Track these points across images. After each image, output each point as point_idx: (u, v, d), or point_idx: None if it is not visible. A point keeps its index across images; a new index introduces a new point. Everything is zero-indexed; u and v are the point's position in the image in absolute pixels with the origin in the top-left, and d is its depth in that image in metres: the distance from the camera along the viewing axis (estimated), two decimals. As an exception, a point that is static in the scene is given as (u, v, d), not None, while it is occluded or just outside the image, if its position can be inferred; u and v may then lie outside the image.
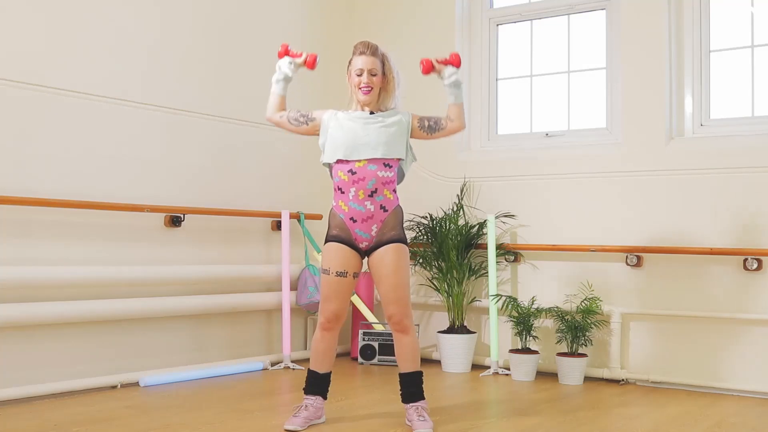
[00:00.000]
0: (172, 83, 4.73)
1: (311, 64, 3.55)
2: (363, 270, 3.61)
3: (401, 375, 3.50)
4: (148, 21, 4.62)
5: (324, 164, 3.49)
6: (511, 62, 5.47)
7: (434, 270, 5.17)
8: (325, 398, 3.52)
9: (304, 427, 3.38)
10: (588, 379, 4.71)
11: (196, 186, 4.83)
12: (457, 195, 5.30)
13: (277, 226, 5.24)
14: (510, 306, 4.81)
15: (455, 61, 3.51)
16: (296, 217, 5.29)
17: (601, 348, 4.79)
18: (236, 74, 5.10)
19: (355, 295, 5.27)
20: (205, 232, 4.88)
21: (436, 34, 5.40)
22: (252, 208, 5.12)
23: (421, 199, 5.35)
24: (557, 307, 4.72)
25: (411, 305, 3.50)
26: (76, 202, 4.16)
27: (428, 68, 3.52)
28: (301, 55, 3.58)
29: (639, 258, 4.68)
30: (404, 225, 3.53)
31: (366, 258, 3.47)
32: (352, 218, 3.40)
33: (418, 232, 5.22)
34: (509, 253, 5.11)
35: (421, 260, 5.22)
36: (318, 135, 3.52)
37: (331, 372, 3.54)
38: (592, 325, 4.61)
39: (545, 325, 4.93)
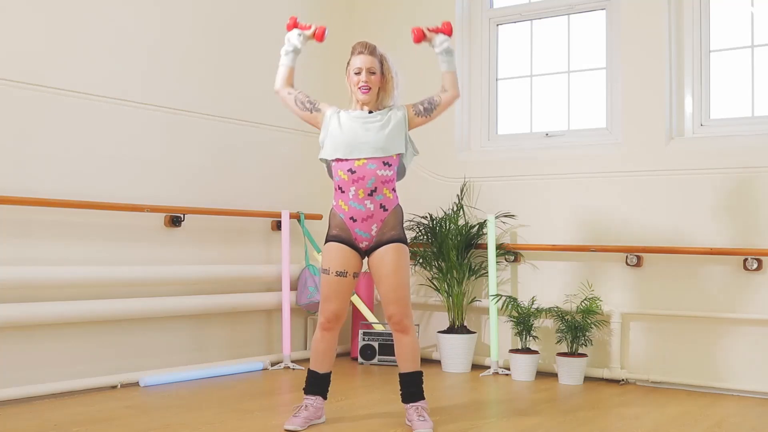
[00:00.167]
0: (172, 83, 4.73)
1: (320, 36, 3.55)
2: (363, 270, 3.61)
3: (401, 375, 3.50)
4: (148, 21, 4.62)
5: (321, 160, 3.49)
6: (511, 62, 5.47)
7: (434, 270, 5.17)
8: (325, 398, 3.52)
9: (304, 427, 3.38)
10: (588, 379, 4.71)
11: (196, 186, 4.83)
12: (457, 195, 5.30)
13: (277, 226, 5.24)
14: (510, 306, 4.81)
15: (447, 30, 3.51)
16: (296, 217, 5.29)
17: (601, 348, 4.79)
18: (236, 74, 5.10)
19: (355, 295, 5.27)
20: (205, 232, 4.88)
21: (436, 34, 5.38)
22: (252, 208, 5.12)
23: (421, 199, 5.35)
24: (557, 307, 4.73)
25: (411, 305, 3.50)
26: (76, 202, 4.16)
27: (419, 37, 3.53)
28: (309, 27, 3.58)
29: (639, 258, 4.68)
30: (404, 225, 3.53)
31: (366, 258, 3.47)
32: (352, 218, 3.40)
33: (418, 232, 5.22)
34: (509, 253, 5.11)
35: (421, 260, 5.22)
36: (317, 127, 3.54)
37: (331, 372, 3.54)
38: (592, 325, 4.61)
39: (545, 325, 4.93)
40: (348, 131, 3.41)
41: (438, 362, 5.14)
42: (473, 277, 5.15)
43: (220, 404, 3.88)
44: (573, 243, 4.92)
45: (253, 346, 5.16)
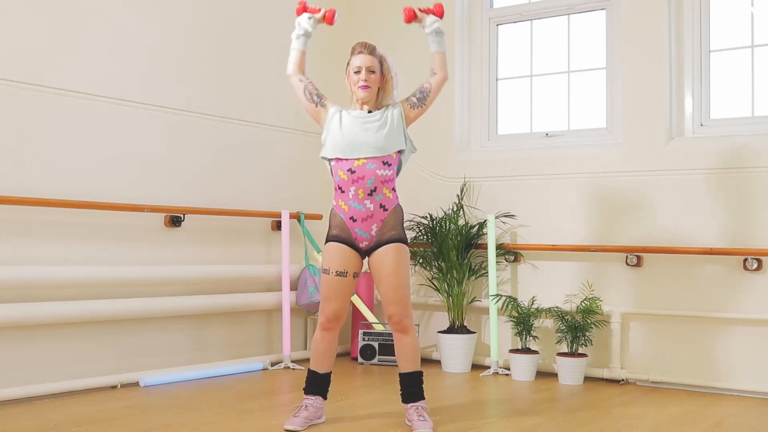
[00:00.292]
0: (172, 83, 4.73)
1: (330, 19, 3.55)
2: (363, 270, 3.61)
3: (401, 375, 3.50)
4: (148, 21, 4.62)
5: (322, 158, 3.49)
6: (511, 62, 5.47)
7: (434, 270, 5.17)
8: (325, 398, 3.53)
9: (304, 427, 3.38)
10: (588, 379, 4.71)
11: (196, 186, 4.83)
12: (457, 195, 5.30)
13: (277, 226, 5.24)
14: (510, 306, 4.81)
15: (438, 11, 3.52)
16: (296, 217, 5.29)
17: (601, 348, 4.79)
18: (236, 74, 5.10)
19: (355, 295, 5.26)
20: (205, 232, 4.88)
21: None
22: (252, 208, 5.12)
23: (421, 199, 5.35)
24: (557, 307, 4.72)
25: (411, 305, 3.50)
26: (76, 202, 4.16)
27: (410, 17, 3.53)
28: (319, 10, 3.58)
29: (639, 258, 4.68)
30: (404, 225, 3.53)
31: (366, 258, 3.47)
32: (352, 218, 3.40)
33: (418, 232, 5.22)
34: (509, 253, 5.11)
35: (421, 260, 5.22)
36: (317, 121, 3.54)
37: (331, 372, 3.54)
38: (592, 325, 4.61)
39: (545, 325, 4.93)
40: (348, 131, 3.41)
41: (438, 362, 5.14)
42: (473, 277, 5.15)
43: (220, 404, 3.88)
44: (573, 243, 4.92)
45: (253, 346, 5.16)
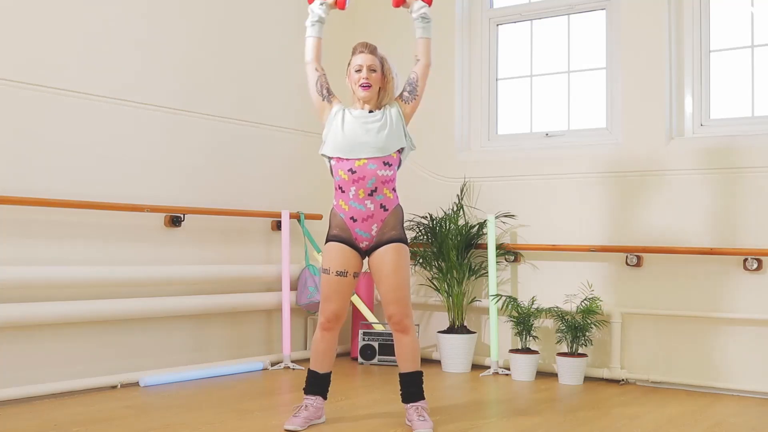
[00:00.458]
0: (172, 83, 4.73)
1: (342, 3, 3.55)
2: (363, 270, 3.61)
3: (401, 375, 3.50)
4: (149, 21, 4.62)
5: (322, 155, 3.49)
6: (511, 62, 5.47)
7: (434, 270, 5.17)
8: (325, 398, 3.53)
9: (304, 427, 3.38)
10: (588, 379, 4.71)
11: (196, 186, 4.83)
12: (457, 195, 5.30)
13: (277, 226, 5.24)
14: (510, 306, 4.81)
15: None
16: (296, 217, 5.29)
17: (601, 348, 4.79)
18: (236, 74, 5.10)
19: (355, 295, 5.26)
20: (205, 232, 4.88)
21: (436, 34, 5.29)
22: (252, 208, 5.12)
23: (421, 199, 5.35)
24: (557, 307, 4.72)
25: (411, 305, 3.50)
26: (76, 202, 4.16)
27: (398, 1, 3.53)
28: None
29: (639, 258, 4.68)
30: (404, 225, 3.53)
31: (366, 258, 3.47)
32: (352, 218, 3.40)
33: (418, 232, 5.22)
34: (509, 253, 5.11)
35: (421, 260, 5.22)
36: (319, 115, 3.53)
37: (331, 372, 3.54)
38: (592, 325, 4.61)
39: (545, 325, 4.93)
40: (349, 131, 3.41)
41: (438, 362, 5.14)
42: (473, 277, 5.15)
43: (220, 404, 3.88)
44: (573, 243, 4.92)
45: (253, 346, 5.16)
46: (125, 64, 4.48)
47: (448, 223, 5.12)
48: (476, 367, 5.08)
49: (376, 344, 5.20)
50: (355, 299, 5.26)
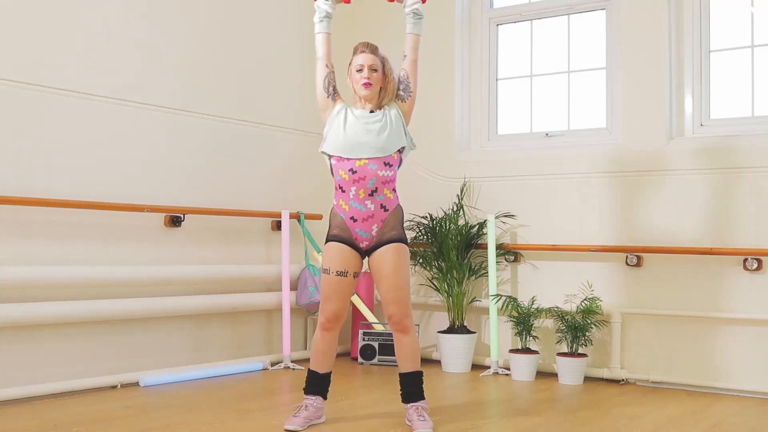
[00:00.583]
0: (172, 83, 4.73)
1: None
2: (363, 270, 3.61)
3: (401, 375, 3.50)
4: (149, 21, 4.62)
5: (322, 152, 3.48)
6: (511, 62, 5.47)
7: (434, 270, 5.17)
8: (325, 398, 3.53)
9: (304, 427, 3.38)
10: (588, 379, 4.71)
11: (196, 186, 4.83)
12: (457, 195, 5.30)
13: (277, 226, 5.24)
14: (510, 306, 4.81)
15: None
16: (296, 217, 5.29)
17: (601, 348, 4.79)
18: (236, 74, 5.10)
19: (355, 295, 5.26)
20: (205, 232, 4.88)
21: (436, 34, 5.39)
22: (252, 208, 5.12)
23: (421, 199, 5.35)
24: (557, 307, 4.72)
25: (411, 305, 3.50)
26: (76, 202, 4.16)
27: None
28: None
29: (639, 258, 4.69)
30: (404, 225, 3.53)
31: (366, 258, 3.47)
32: (352, 218, 3.40)
33: (418, 232, 5.22)
34: (509, 253, 5.11)
35: (421, 260, 5.22)
36: (321, 111, 3.53)
37: (331, 372, 3.54)
38: (592, 325, 4.61)
39: (545, 325, 4.93)
40: (350, 131, 3.41)
41: (438, 362, 5.14)
42: (473, 277, 5.15)
43: (220, 404, 3.88)
44: (573, 243, 4.92)
45: (253, 346, 5.16)
46: (125, 64, 4.48)
47: (448, 223, 5.12)
48: (476, 367, 5.08)
49: (376, 344, 5.20)
50: (355, 299, 5.26)
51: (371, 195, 3.38)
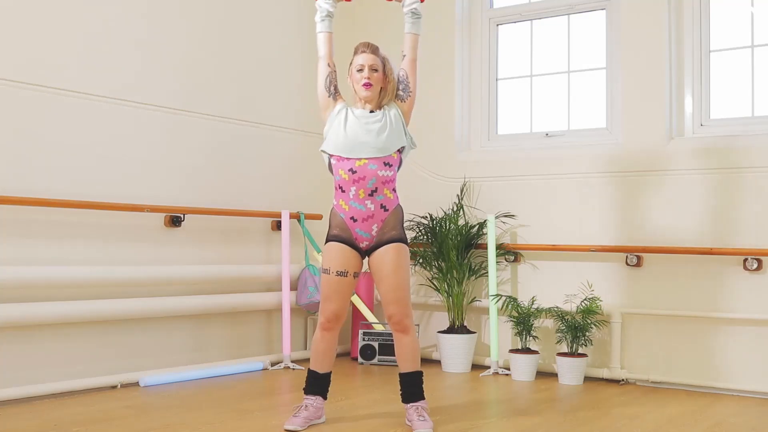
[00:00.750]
0: (172, 83, 4.73)
1: None
2: (363, 270, 3.61)
3: (401, 375, 3.50)
4: (149, 21, 4.62)
5: (322, 152, 3.48)
6: (511, 62, 5.47)
7: (434, 270, 5.17)
8: (325, 398, 3.53)
9: (304, 427, 3.38)
10: (588, 379, 4.71)
11: (196, 186, 4.83)
12: (457, 195, 5.30)
13: (277, 226, 5.24)
14: (510, 306, 4.81)
15: None
16: (296, 217, 5.29)
17: (601, 348, 4.79)
18: (236, 74, 5.10)
19: (355, 295, 5.26)
20: (205, 232, 4.88)
21: (436, 34, 5.40)
22: (252, 208, 5.12)
23: (421, 199, 5.35)
24: (557, 307, 4.72)
25: (411, 305, 3.50)
26: (76, 202, 4.16)
27: None
28: None
29: (639, 258, 4.69)
30: (404, 225, 3.53)
31: (366, 258, 3.47)
32: (352, 218, 3.40)
33: (418, 232, 5.22)
34: (509, 253, 5.11)
35: (421, 260, 5.22)
36: (322, 110, 3.53)
37: (331, 372, 3.54)
38: (592, 325, 4.61)
39: (545, 325, 4.93)
40: (350, 130, 3.41)
41: (438, 362, 5.14)
42: (473, 277, 5.15)
43: (220, 404, 3.88)
44: (573, 243, 4.92)
45: (253, 346, 5.16)
46: (125, 64, 4.48)
47: (448, 223, 5.12)
48: (476, 367, 5.08)
49: (376, 344, 5.20)
50: (355, 299, 5.26)
51: (371, 195, 3.38)
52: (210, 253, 4.89)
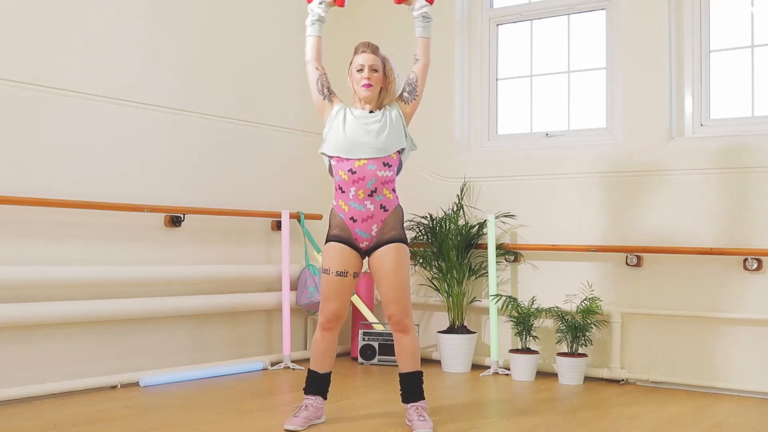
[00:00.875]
0: (172, 83, 4.73)
1: (341, 1, 3.54)
2: (363, 270, 3.61)
3: (401, 375, 3.50)
4: (149, 21, 4.62)
5: (322, 154, 3.48)
6: (511, 62, 5.47)
7: (434, 270, 5.17)
8: (325, 398, 3.53)
9: (304, 427, 3.38)
10: (588, 379, 4.71)
11: (196, 186, 4.83)
12: (457, 195, 5.30)
13: (277, 226, 5.24)
14: (510, 306, 4.81)
15: None
16: (296, 217, 5.29)
17: (601, 348, 4.79)
18: (236, 74, 5.10)
19: (355, 295, 5.26)
20: (205, 232, 4.88)
21: (437, 34, 5.32)
22: (252, 208, 5.12)
23: (421, 199, 5.35)
24: (557, 307, 4.72)
25: (411, 305, 3.50)
26: (76, 202, 4.16)
27: None
28: None
29: (639, 258, 4.68)
30: (404, 225, 3.53)
31: (366, 258, 3.47)
32: (352, 218, 3.40)
33: (418, 232, 5.22)
34: (509, 253, 5.11)
35: (421, 260, 5.22)
36: (321, 114, 3.53)
37: (331, 372, 3.54)
38: (592, 325, 4.61)
39: (545, 325, 4.93)
40: (349, 131, 3.41)
41: (438, 362, 5.14)
42: (473, 277, 5.15)
43: (220, 404, 3.88)
44: (573, 243, 4.92)
45: (253, 346, 5.16)
46: (125, 64, 4.48)
47: (448, 223, 5.12)
48: (476, 367, 5.08)
49: (376, 344, 5.20)
50: (355, 299, 5.26)
51: (371, 195, 3.38)
52: (210, 253, 4.89)
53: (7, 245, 3.95)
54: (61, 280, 4.10)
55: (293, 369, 4.95)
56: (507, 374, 4.86)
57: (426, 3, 3.51)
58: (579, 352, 4.64)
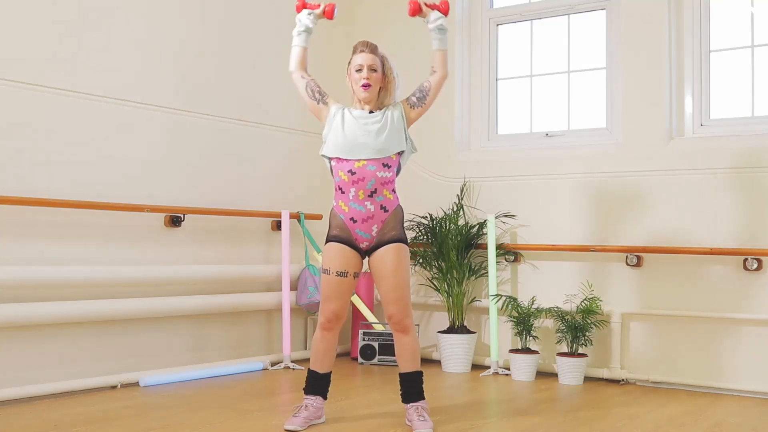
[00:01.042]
0: (171, 83, 4.73)
1: (330, 13, 3.55)
2: (363, 270, 3.61)
3: (401, 375, 3.50)
4: (149, 21, 4.62)
5: (322, 156, 3.49)
6: (511, 62, 5.47)
7: (434, 270, 5.17)
8: (325, 398, 3.53)
9: (304, 427, 3.38)
10: (588, 379, 4.71)
11: (196, 186, 4.83)
12: (457, 195, 5.30)
13: (277, 226, 5.24)
14: (510, 306, 4.81)
15: (443, 8, 3.51)
16: (296, 217, 5.29)
17: (601, 348, 4.79)
18: (236, 74, 5.10)
19: (355, 295, 5.26)
20: (205, 232, 4.88)
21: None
22: (252, 208, 5.12)
23: (421, 199, 5.35)
24: (557, 307, 4.72)
25: (411, 305, 3.50)
26: (76, 202, 4.16)
27: (415, 10, 3.53)
28: (318, 6, 3.58)
29: (639, 258, 4.68)
30: (404, 225, 3.53)
31: (366, 258, 3.47)
32: (352, 218, 3.40)
33: (418, 232, 5.22)
34: (509, 253, 5.11)
35: (421, 260, 5.22)
36: (319, 118, 3.53)
37: (331, 372, 3.54)
38: (592, 325, 4.61)
39: (545, 325, 4.93)
40: (349, 132, 3.41)
41: (438, 362, 5.14)
42: (473, 277, 5.15)
43: (220, 404, 3.88)
44: (573, 243, 4.92)
45: (253, 346, 5.16)
46: (125, 64, 4.48)
47: (448, 223, 5.12)
48: (476, 367, 5.08)
49: (376, 344, 5.20)
50: (355, 299, 5.26)
51: (370, 196, 3.38)
52: (210, 253, 4.89)
53: (7, 245, 3.94)
54: (61, 280, 4.10)
55: (293, 369, 4.95)
56: (507, 374, 4.86)
57: (441, 15, 3.50)
58: (579, 352, 4.64)
